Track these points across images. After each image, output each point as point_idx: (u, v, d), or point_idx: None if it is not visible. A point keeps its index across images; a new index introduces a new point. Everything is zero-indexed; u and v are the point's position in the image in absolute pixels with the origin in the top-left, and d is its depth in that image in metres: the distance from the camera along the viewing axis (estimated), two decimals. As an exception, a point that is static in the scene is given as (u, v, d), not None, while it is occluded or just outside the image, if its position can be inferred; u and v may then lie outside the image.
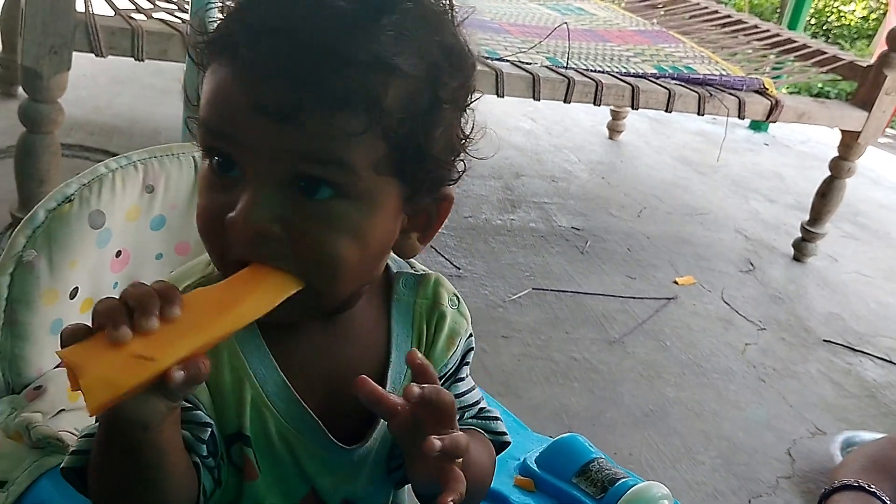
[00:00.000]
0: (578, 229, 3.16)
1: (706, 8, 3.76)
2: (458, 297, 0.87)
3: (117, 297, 0.61)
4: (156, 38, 2.02)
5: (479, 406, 0.88)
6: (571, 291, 2.69)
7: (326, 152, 0.65)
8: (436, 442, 0.67)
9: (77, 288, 0.91)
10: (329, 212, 0.67)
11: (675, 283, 2.93)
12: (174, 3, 2.34)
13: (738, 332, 2.70)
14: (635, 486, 0.89)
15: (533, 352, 2.32)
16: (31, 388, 0.88)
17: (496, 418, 0.88)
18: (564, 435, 0.97)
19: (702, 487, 1.95)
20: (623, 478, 0.92)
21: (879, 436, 2.14)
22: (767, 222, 3.67)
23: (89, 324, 0.60)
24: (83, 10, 1.99)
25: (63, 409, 0.87)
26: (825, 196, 3.19)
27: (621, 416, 2.15)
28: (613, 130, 4.24)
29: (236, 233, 0.66)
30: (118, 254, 0.94)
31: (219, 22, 0.71)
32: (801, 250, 3.32)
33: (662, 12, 3.76)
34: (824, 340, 2.76)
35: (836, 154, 3.12)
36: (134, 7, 2.21)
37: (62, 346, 0.59)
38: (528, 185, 3.47)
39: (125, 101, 3.33)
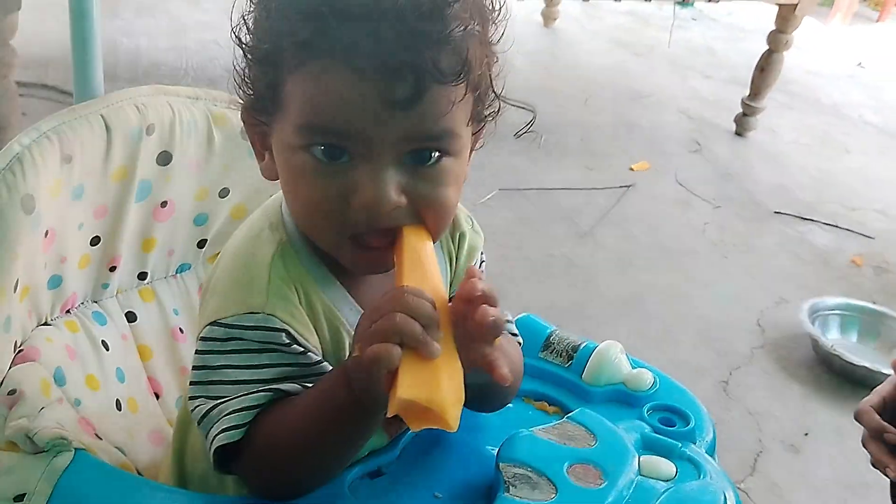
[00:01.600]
0: (531, 128, 3.20)
1: None
2: (472, 219, 0.95)
3: (391, 307, 0.68)
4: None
5: None
6: (536, 188, 2.75)
7: (440, 127, 0.72)
8: (489, 310, 0.71)
9: (18, 279, 0.88)
10: (438, 172, 0.74)
11: (631, 169, 3.02)
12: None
13: (696, 213, 2.82)
14: (597, 348, 1.00)
15: (511, 253, 2.39)
16: (4, 395, 0.85)
17: (509, 321, 0.94)
18: (520, 317, 1.04)
19: (685, 365, 2.08)
20: (581, 343, 1.02)
21: (841, 300, 2.31)
22: (707, 100, 3.77)
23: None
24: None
25: (43, 407, 0.85)
26: (764, 70, 3.29)
27: (603, 306, 2.26)
28: (548, 18, 4.23)
29: (370, 212, 0.72)
30: (46, 233, 0.91)
31: (294, 23, 0.70)
32: (742, 125, 3.44)
33: None
34: (775, 212, 2.90)
35: (773, 27, 3.20)
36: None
37: (369, 375, 0.67)
38: (475, 83, 3.47)
39: (51, 28, 3.17)
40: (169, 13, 3.60)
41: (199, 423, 0.77)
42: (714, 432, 0.96)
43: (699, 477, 0.85)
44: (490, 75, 0.77)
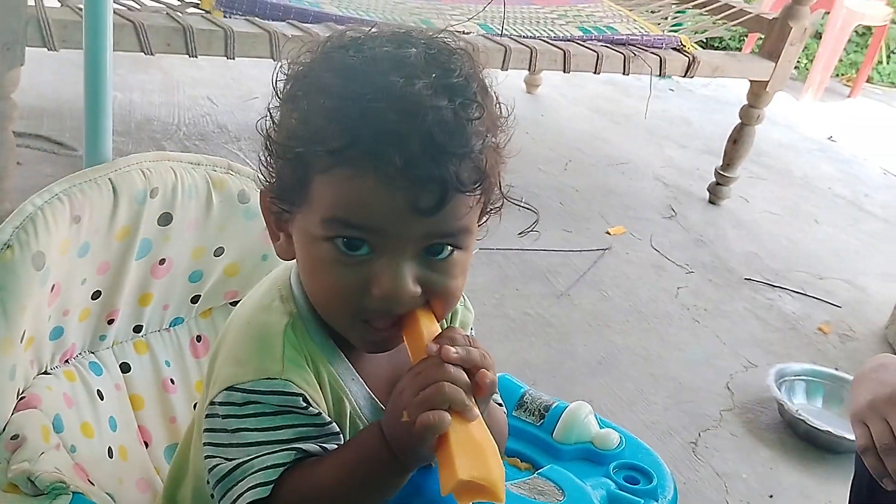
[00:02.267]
0: (513, 186, 3.27)
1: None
2: (464, 297, 1.01)
3: (436, 376, 0.76)
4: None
5: None
6: (516, 249, 2.83)
7: (458, 228, 0.80)
8: (488, 374, 0.79)
9: (24, 330, 0.94)
10: (450, 264, 0.82)
11: (608, 233, 3.11)
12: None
13: (670, 277, 2.91)
14: (567, 408, 1.07)
15: (489, 311, 2.46)
16: (7, 439, 0.90)
17: (499, 404, 1.01)
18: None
19: (657, 426, 2.14)
20: (552, 403, 1.09)
21: (807, 366, 2.39)
22: (682, 168, 3.88)
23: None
24: (33, 4, 1.98)
25: (43, 452, 0.90)
26: (737, 142, 3.41)
27: (578, 365, 2.32)
28: (531, 84, 4.37)
29: (388, 301, 0.79)
30: (52, 287, 0.97)
31: (326, 131, 0.77)
32: (716, 194, 3.55)
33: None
34: (745, 279, 2.99)
35: (746, 101, 3.33)
36: (79, -3, 2.19)
37: (422, 434, 0.75)
38: (458, 145, 3.57)
39: (47, 80, 3.26)
40: (163, 69, 3.68)
41: (218, 482, 0.82)
42: (675, 490, 1.02)
43: (660, 532, 0.91)
44: (499, 177, 0.85)
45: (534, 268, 2.77)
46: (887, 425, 1.10)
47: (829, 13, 5.33)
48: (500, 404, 1.00)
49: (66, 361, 1.05)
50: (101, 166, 1.01)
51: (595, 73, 2.83)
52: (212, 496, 0.84)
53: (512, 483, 0.92)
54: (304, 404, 0.83)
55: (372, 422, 0.86)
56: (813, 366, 2.39)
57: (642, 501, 0.94)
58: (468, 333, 0.99)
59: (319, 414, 0.84)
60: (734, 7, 3.41)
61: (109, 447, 1.04)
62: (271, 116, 0.84)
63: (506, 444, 0.98)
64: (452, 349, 0.78)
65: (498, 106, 0.85)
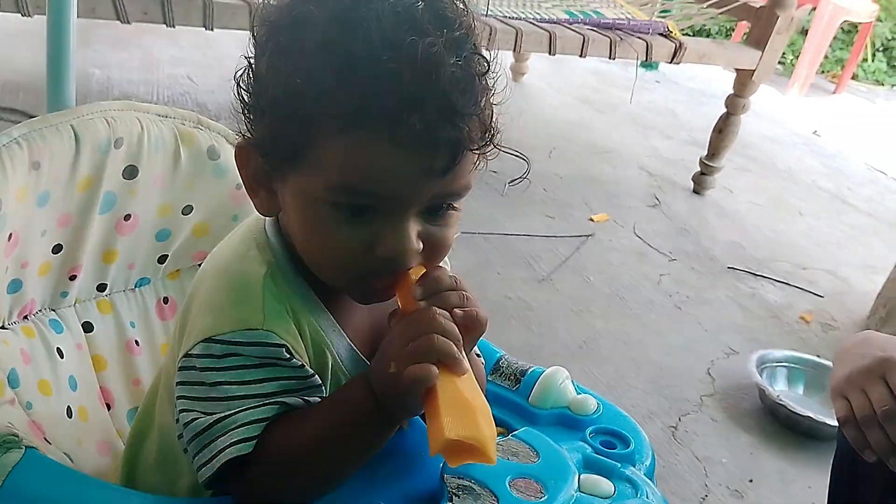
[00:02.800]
0: (496, 172, 3.22)
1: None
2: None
3: (427, 328, 0.74)
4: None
5: None
6: (498, 233, 2.80)
7: (463, 186, 0.78)
8: (476, 311, 0.80)
9: None
10: (448, 218, 0.80)
11: (591, 220, 3.09)
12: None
13: (653, 264, 2.88)
14: (544, 373, 1.04)
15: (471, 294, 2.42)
16: None
17: (478, 354, 0.98)
18: None
19: (637, 410, 2.12)
20: (529, 368, 1.07)
21: (788, 352, 2.37)
22: (667, 158, 3.87)
23: None
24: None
25: None
26: (722, 132, 3.39)
27: (558, 349, 2.29)
28: (517, 73, 4.34)
29: (393, 261, 0.77)
30: (10, 237, 0.93)
31: (337, 92, 0.72)
32: (700, 184, 3.53)
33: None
34: (728, 267, 2.97)
35: (732, 91, 3.31)
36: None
37: (408, 384, 0.72)
38: (442, 130, 3.54)
39: (25, 55, 3.20)
40: (143, 47, 3.63)
41: (194, 437, 0.78)
42: (653, 457, 0.99)
43: (637, 496, 0.88)
44: (495, 130, 0.81)
45: (516, 252, 2.74)
46: (866, 397, 1.08)
47: (815, 9, 5.33)
48: (478, 355, 0.97)
49: (25, 318, 1.01)
50: (63, 112, 0.97)
51: (581, 56, 2.81)
52: (185, 451, 0.80)
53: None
54: (287, 356, 0.79)
55: (358, 374, 0.82)
56: (795, 353, 2.38)
57: (619, 465, 0.91)
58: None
59: (303, 366, 0.81)
60: (721, -5, 3.39)
61: (68, 406, 1.00)
62: (251, 66, 0.79)
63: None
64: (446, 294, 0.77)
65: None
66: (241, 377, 0.78)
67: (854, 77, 6.09)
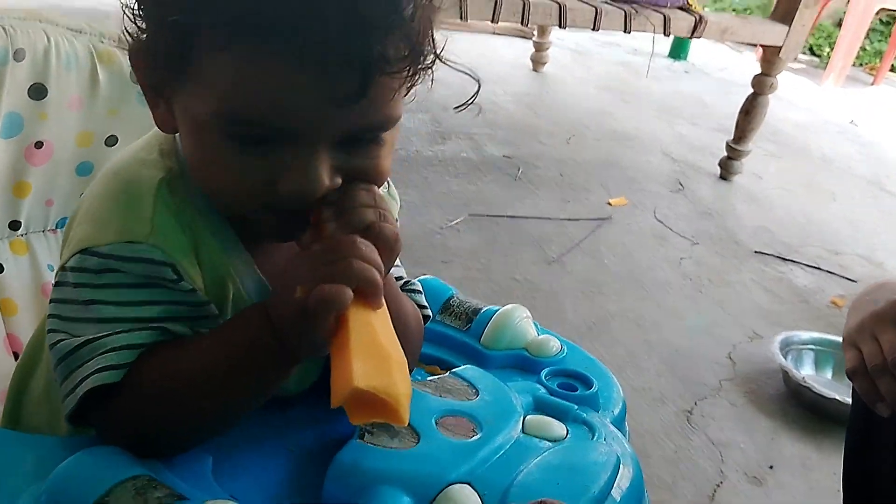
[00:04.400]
0: (509, 157, 3.14)
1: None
2: (389, 182, 0.85)
3: (346, 251, 0.62)
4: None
5: (404, 279, 0.86)
6: (508, 216, 2.67)
7: (382, 118, 0.65)
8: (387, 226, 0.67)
9: None
10: (374, 147, 0.67)
11: (609, 204, 2.94)
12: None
13: (673, 247, 2.73)
14: (500, 310, 0.91)
15: (474, 275, 2.30)
16: None
17: (419, 291, 0.86)
18: (420, 278, 0.95)
19: (648, 392, 1.97)
20: (484, 307, 0.93)
21: (816, 334, 2.20)
22: (693, 144, 3.71)
23: None
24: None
25: None
26: (749, 113, 3.23)
27: (566, 330, 2.13)
28: (537, 62, 4.21)
29: (300, 197, 0.64)
30: None
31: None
32: (726, 168, 3.37)
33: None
34: (755, 252, 2.81)
35: (758, 71, 3.15)
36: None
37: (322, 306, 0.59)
38: (455, 118, 3.43)
39: None
40: None
41: (59, 362, 0.67)
42: (624, 406, 0.85)
43: (593, 439, 0.74)
44: (432, 39, 0.66)
45: (525, 234, 2.60)
46: (878, 344, 0.94)
47: (851, -4, 5.15)
48: (422, 307, 0.84)
49: (-83, 249, 0.91)
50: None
51: (594, 29, 2.67)
52: (55, 379, 0.69)
53: (416, 381, 0.76)
54: (175, 276, 0.67)
55: (255, 303, 0.70)
56: (822, 334, 2.21)
57: (575, 407, 0.77)
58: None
59: (194, 290, 0.69)
60: (745, -30, 3.24)
61: (-39, 347, 0.90)
62: None
63: (419, 352, 0.82)
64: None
65: None
66: (117, 297, 0.67)
67: (893, 69, 5.86)
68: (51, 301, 0.69)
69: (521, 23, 2.54)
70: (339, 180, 0.65)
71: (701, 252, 2.74)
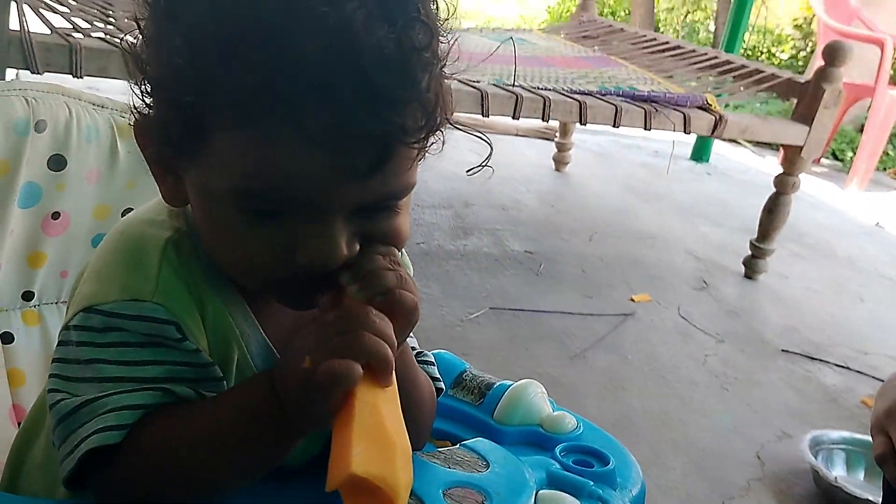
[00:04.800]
0: (531, 253, 3.14)
1: (644, 36, 3.83)
2: (403, 252, 0.84)
3: (357, 324, 0.61)
4: (95, 55, 1.96)
5: (417, 350, 0.84)
6: (529, 310, 2.65)
7: (399, 187, 0.64)
8: (407, 295, 0.65)
9: None
10: (390, 213, 0.66)
11: (632, 300, 2.91)
12: (112, 24, 2.28)
13: (698, 345, 2.68)
14: (513, 385, 0.89)
15: (494, 368, 2.23)
16: None
17: (432, 363, 0.84)
18: (433, 352, 0.93)
19: (674, 492, 1.90)
20: (497, 382, 0.92)
21: (847, 434, 2.13)
22: (716, 244, 3.69)
23: None
24: (17, 29, 1.93)
25: None
26: (772, 212, 3.22)
27: (587, 426, 2.10)
28: (559, 162, 4.26)
29: (317, 267, 0.63)
30: None
31: (228, 72, 0.58)
32: (751, 267, 3.34)
33: (600, 42, 3.81)
34: (782, 350, 2.75)
35: (780, 171, 3.16)
36: (72, 27, 2.14)
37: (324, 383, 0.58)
38: (478, 214, 3.45)
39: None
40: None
41: (59, 423, 0.65)
42: (643, 487, 0.81)
43: (610, 518, 0.71)
44: (445, 105, 0.65)
45: (547, 329, 2.57)
46: None
47: (872, 102, 5.19)
48: (435, 379, 0.82)
49: (-71, 316, 0.90)
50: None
51: (614, 125, 2.70)
52: (53, 444, 0.67)
53: (424, 452, 0.73)
54: (178, 335, 0.66)
55: (263, 371, 0.69)
56: (853, 434, 2.13)
57: (591, 483, 0.74)
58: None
59: (198, 351, 0.67)
60: (764, 72, 3.29)
61: (-35, 416, 0.88)
62: (141, 31, 0.64)
63: (431, 426, 0.80)
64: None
65: (434, 4, 0.65)
66: (120, 356, 0.65)
67: (918, 173, 5.87)
68: (53, 361, 0.68)
69: (542, 118, 2.58)
70: (357, 247, 0.64)
71: (727, 350, 2.69)
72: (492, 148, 0.74)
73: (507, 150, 4.38)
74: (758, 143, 6.06)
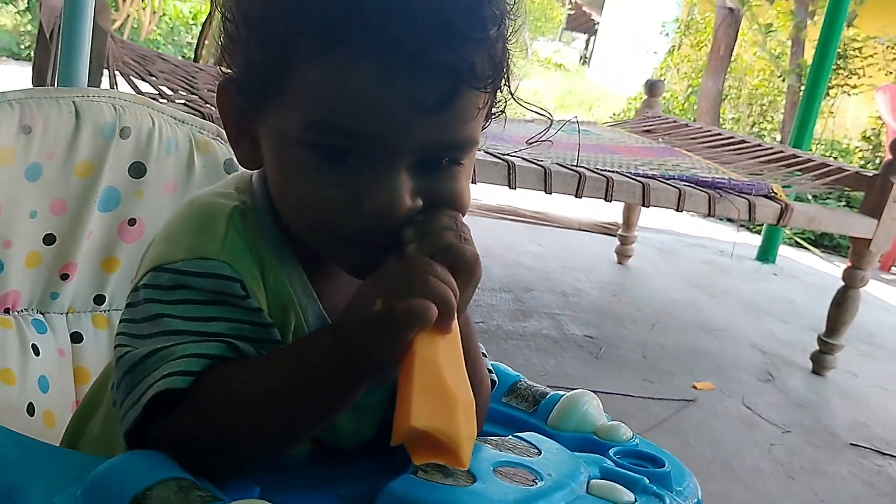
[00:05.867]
0: (591, 337, 3.11)
1: (709, 131, 3.86)
2: None
3: (425, 271, 0.63)
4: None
5: None
6: (588, 389, 2.60)
7: (464, 138, 0.67)
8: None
9: None
10: (453, 172, 0.69)
11: (694, 387, 2.85)
12: (196, 94, 2.40)
13: (763, 433, 2.60)
14: (566, 395, 0.89)
15: (550, 442, 2.22)
16: None
17: (486, 355, 0.84)
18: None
19: (737, 575, 1.82)
20: (551, 391, 0.91)
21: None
22: (783, 340, 3.61)
23: None
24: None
25: None
26: (840, 306, 3.15)
27: (646, 504, 2.03)
28: (622, 255, 4.25)
29: (382, 219, 0.66)
30: None
31: (317, 3, 0.64)
32: (819, 363, 3.25)
33: (664, 135, 3.85)
34: (851, 444, 2.65)
35: (849, 264, 3.11)
36: (158, 93, 2.26)
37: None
38: (538, 298, 3.45)
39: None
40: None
41: (124, 375, 0.67)
42: (700, 501, 0.79)
43: (664, 510, 0.69)
44: (509, 75, 0.70)
45: (606, 410, 2.52)
46: None
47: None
48: (490, 370, 0.83)
49: (7, 311, 0.94)
50: (66, 88, 0.94)
51: (677, 209, 2.70)
52: (114, 404, 0.69)
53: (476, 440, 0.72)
54: (243, 293, 0.68)
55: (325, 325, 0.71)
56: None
57: (646, 479, 0.72)
58: None
59: (260, 310, 0.69)
60: (831, 166, 3.27)
61: (31, 404, 0.91)
62: None
63: (486, 411, 0.80)
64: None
65: None
66: (187, 312, 0.67)
67: None
68: (120, 322, 0.70)
69: (605, 198, 2.60)
70: (420, 202, 0.66)
71: (793, 440, 2.60)
72: (552, 120, 0.77)
73: (568, 241, 4.40)
74: (826, 249, 5.98)
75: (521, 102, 0.72)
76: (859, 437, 2.72)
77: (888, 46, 8.13)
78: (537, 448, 0.72)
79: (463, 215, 0.70)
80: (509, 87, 0.70)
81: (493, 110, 0.72)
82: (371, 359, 0.62)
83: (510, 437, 0.74)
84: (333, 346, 0.64)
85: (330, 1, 0.63)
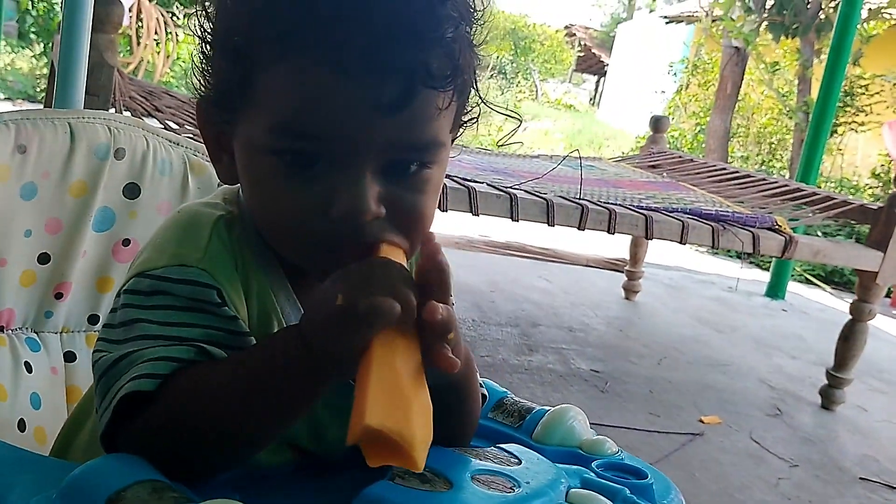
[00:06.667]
0: (598, 372, 3.10)
1: (714, 166, 3.87)
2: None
3: (387, 274, 0.63)
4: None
5: None
6: (593, 423, 2.58)
7: (427, 137, 0.68)
8: (438, 306, 0.63)
9: None
10: (419, 182, 0.70)
11: (701, 421, 2.83)
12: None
13: (770, 468, 2.57)
14: (552, 410, 0.90)
15: (553, 475, 2.21)
16: None
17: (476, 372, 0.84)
18: None
19: None
20: (537, 407, 0.92)
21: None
22: (791, 375, 3.58)
23: None
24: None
25: None
26: (848, 339, 3.13)
27: (650, 537, 2.01)
28: (629, 291, 4.24)
29: (349, 224, 0.67)
30: None
31: (274, 11, 0.66)
32: (828, 398, 3.22)
33: (669, 170, 3.86)
34: (860, 478, 2.62)
35: (855, 297, 3.10)
36: (163, 128, 2.30)
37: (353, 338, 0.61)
38: (545, 333, 3.44)
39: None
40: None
41: (99, 379, 0.68)
42: (684, 513, 0.79)
43: (643, 519, 0.69)
44: (475, 80, 0.73)
45: (611, 442, 2.50)
46: None
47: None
48: (480, 385, 0.84)
49: (1, 329, 0.95)
50: (62, 110, 0.96)
51: (680, 242, 2.70)
52: (97, 410, 0.69)
53: (455, 449, 0.73)
54: (219, 300, 0.69)
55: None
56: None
57: (627, 490, 0.72)
58: None
59: (235, 319, 0.70)
60: (836, 199, 3.27)
61: (22, 420, 0.91)
62: (204, 7, 0.72)
63: (476, 423, 0.81)
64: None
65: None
66: (163, 317, 0.68)
67: None
68: (102, 326, 0.71)
69: (608, 231, 2.60)
70: (383, 210, 0.67)
71: (801, 475, 2.57)
72: (521, 121, 0.78)
73: (576, 277, 4.40)
74: (836, 286, 5.95)
75: (491, 106, 0.74)
76: (868, 471, 2.69)
77: (895, 84, 8.15)
78: (518, 458, 0.72)
79: (424, 230, 0.71)
80: (478, 91, 0.71)
81: (465, 118, 0.74)
82: (331, 354, 0.62)
83: (491, 447, 0.74)
84: (296, 342, 0.64)
85: (287, 6, 0.65)
